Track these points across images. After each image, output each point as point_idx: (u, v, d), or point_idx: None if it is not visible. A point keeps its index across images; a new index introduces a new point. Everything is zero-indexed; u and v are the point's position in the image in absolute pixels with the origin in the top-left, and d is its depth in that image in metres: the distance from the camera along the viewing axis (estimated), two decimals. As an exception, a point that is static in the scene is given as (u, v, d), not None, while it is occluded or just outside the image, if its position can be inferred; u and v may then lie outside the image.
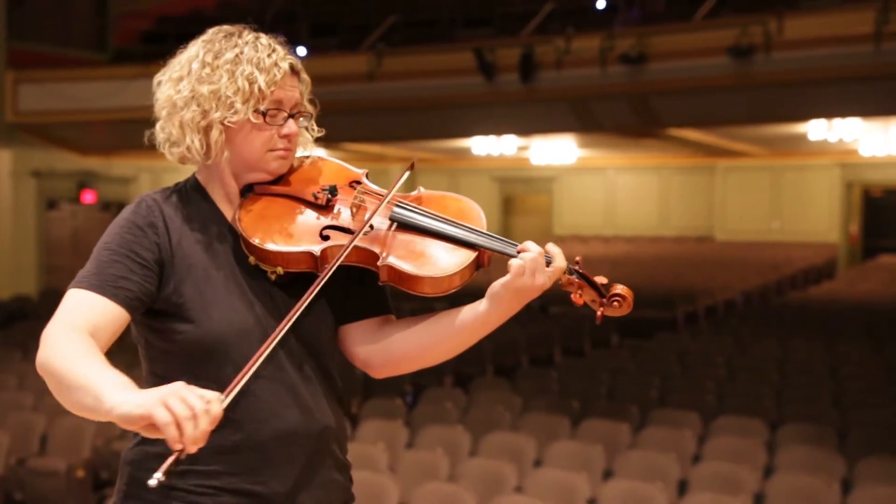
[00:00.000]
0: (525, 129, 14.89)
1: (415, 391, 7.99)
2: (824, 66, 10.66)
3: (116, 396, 1.54)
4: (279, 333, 1.72)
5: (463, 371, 8.77)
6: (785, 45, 10.79)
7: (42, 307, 12.73)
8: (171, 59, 1.91)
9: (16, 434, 6.73)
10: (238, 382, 1.63)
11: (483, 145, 16.83)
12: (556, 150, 18.35)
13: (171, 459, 1.48)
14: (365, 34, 14.28)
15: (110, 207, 15.85)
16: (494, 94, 12.44)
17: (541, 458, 5.98)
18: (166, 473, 1.48)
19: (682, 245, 19.29)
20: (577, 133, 15.62)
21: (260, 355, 1.68)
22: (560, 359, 10.00)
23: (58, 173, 15.53)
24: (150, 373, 1.86)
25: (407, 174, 1.92)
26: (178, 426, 1.47)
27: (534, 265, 1.79)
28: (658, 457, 5.72)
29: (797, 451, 5.85)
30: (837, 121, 13.74)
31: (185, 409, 1.48)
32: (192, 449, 1.49)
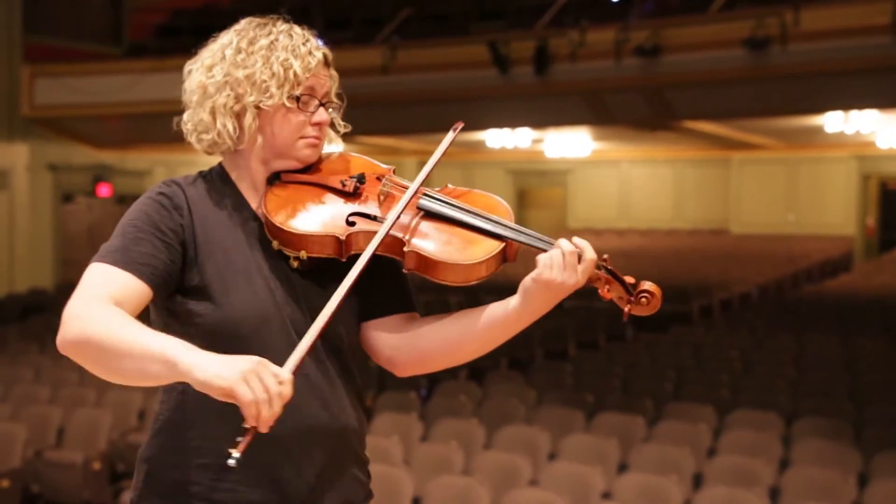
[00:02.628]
0: (539, 122, 14.86)
1: (429, 384, 8.00)
2: (840, 58, 10.59)
3: (191, 358, 1.55)
4: (331, 311, 1.69)
5: (477, 364, 8.76)
6: (801, 37, 10.72)
7: (58, 300, 12.77)
8: (201, 48, 1.90)
9: (33, 427, 6.77)
10: (301, 359, 1.63)
11: (497, 138, 16.81)
12: (570, 143, 18.31)
13: (248, 440, 1.53)
14: (379, 27, 14.28)
15: (126, 201, 15.87)
16: (509, 87, 12.42)
17: (555, 451, 5.98)
18: (244, 454, 1.53)
19: (697, 238, 19.23)
20: (592, 126, 15.59)
21: (318, 333, 1.67)
22: (574, 352, 9.99)
23: (73, 167, 15.59)
24: None
25: (453, 135, 1.92)
26: (258, 406, 1.50)
27: (560, 258, 1.76)
28: (673, 450, 5.71)
29: (813, 445, 5.83)
30: (854, 113, 13.66)
31: (263, 392, 1.51)
32: (265, 430, 1.53)
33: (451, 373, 8.43)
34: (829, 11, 10.89)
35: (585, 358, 9.36)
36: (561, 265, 1.75)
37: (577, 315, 10.81)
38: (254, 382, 1.51)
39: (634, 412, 6.54)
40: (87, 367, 1.67)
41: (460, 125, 1.94)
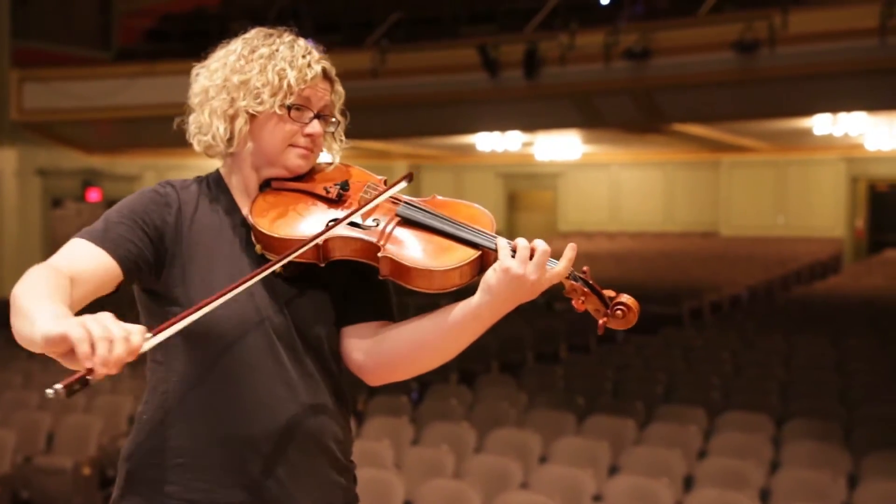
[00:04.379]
0: (529, 125, 14.88)
1: (420, 388, 8.00)
2: (829, 61, 10.63)
3: (46, 322, 1.51)
4: (242, 285, 1.70)
5: (468, 368, 8.77)
6: (789, 40, 10.77)
7: (48, 305, 12.73)
8: (210, 53, 1.95)
9: (22, 432, 6.74)
10: (172, 325, 1.61)
11: (487, 141, 16.83)
12: (560, 146, 18.34)
13: (76, 377, 1.46)
14: (368, 31, 14.28)
15: (115, 205, 15.86)
16: (498, 91, 12.43)
17: (546, 454, 5.98)
18: (66, 389, 1.44)
19: (687, 241, 19.27)
20: (582, 129, 15.62)
21: (210, 301, 1.66)
22: (565, 355, 9.99)
23: (63, 172, 15.54)
24: (152, 360, 1.87)
25: (403, 184, 1.91)
26: (92, 345, 1.45)
27: (523, 250, 1.74)
28: (664, 453, 5.71)
29: (803, 447, 5.84)
30: (842, 115, 13.71)
31: (103, 332, 1.46)
32: (102, 370, 1.46)
33: (441, 376, 8.43)
34: (817, 14, 10.94)
35: (576, 361, 9.37)
36: (524, 257, 1.74)
37: (568, 318, 10.81)
38: (91, 325, 1.47)
39: (625, 415, 6.55)
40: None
41: (412, 176, 1.95)
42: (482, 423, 6.48)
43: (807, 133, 15.37)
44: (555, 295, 11.52)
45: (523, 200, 22.12)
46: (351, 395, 1.99)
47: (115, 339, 1.47)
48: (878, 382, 7.51)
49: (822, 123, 14.12)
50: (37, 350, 1.55)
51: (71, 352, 1.47)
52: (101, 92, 13.96)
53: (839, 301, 12.37)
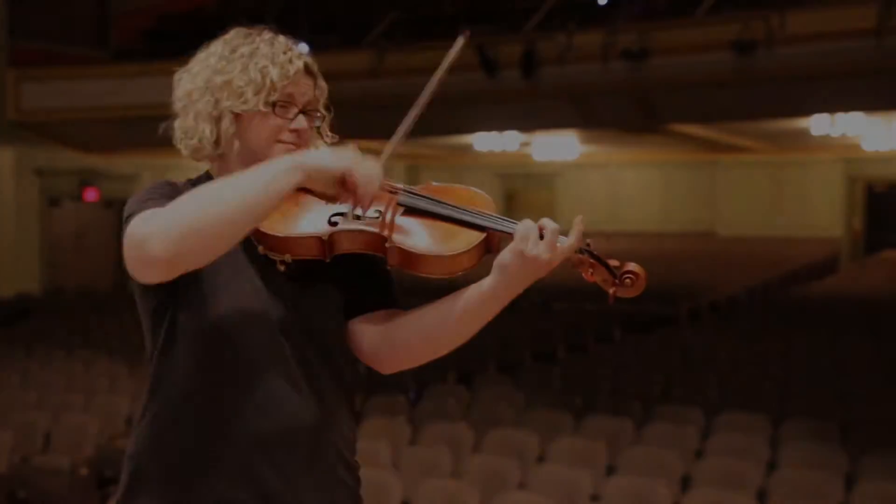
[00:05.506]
0: (527, 125, 14.87)
1: (418, 388, 7.99)
2: (827, 61, 10.64)
3: (299, 156, 1.73)
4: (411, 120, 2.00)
5: (466, 367, 8.77)
6: (787, 40, 10.77)
7: (45, 305, 12.73)
8: (192, 56, 1.94)
9: (19, 432, 6.74)
10: (390, 149, 1.87)
11: (485, 141, 16.82)
12: (558, 146, 18.34)
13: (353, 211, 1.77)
14: (366, 31, 14.28)
15: (113, 205, 15.84)
16: (496, 90, 12.43)
17: (544, 454, 5.98)
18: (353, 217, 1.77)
19: (685, 241, 19.29)
20: (580, 129, 15.61)
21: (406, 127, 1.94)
22: (563, 355, 9.99)
23: (60, 171, 15.52)
24: (154, 355, 1.85)
25: (460, 43, 1.96)
26: (371, 184, 1.75)
27: (535, 231, 1.76)
28: (661, 452, 5.71)
29: (800, 447, 5.84)
30: (840, 116, 13.71)
31: (372, 170, 1.76)
32: (369, 207, 1.77)
33: (439, 376, 8.42)
34: (815, 15, 10.94)
35: (574, 361, 9.37)
36: (536, 238, 1.75)
37: (566, 317, 10.81)
38: (365, 167, 1.75)
39: (623, 415, 6.55)
40: (198, 246, 1.65)
41: (468, 33, 2.01)
42: (480, 422, 6.48)
43: (804, 133, 15.38)
44: (552, 294, 11.54)
45: (521, 200, 22.12)
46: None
47: (375, 179, 1.77)
48: (875, 382, 7.52)
49: (819, 124, 14.13)
50: (261, 204, 1.67)
51: (334, 184, 1.75)
52: (99, 91, 13.96)
53: (837, 301, 12.39)
